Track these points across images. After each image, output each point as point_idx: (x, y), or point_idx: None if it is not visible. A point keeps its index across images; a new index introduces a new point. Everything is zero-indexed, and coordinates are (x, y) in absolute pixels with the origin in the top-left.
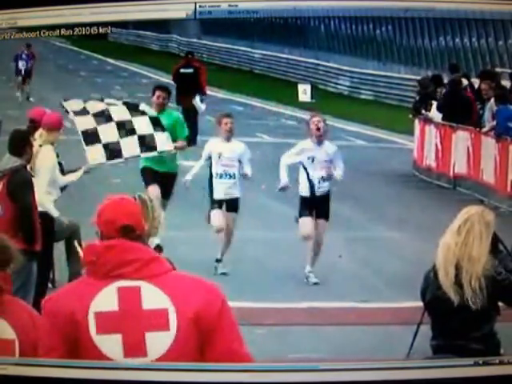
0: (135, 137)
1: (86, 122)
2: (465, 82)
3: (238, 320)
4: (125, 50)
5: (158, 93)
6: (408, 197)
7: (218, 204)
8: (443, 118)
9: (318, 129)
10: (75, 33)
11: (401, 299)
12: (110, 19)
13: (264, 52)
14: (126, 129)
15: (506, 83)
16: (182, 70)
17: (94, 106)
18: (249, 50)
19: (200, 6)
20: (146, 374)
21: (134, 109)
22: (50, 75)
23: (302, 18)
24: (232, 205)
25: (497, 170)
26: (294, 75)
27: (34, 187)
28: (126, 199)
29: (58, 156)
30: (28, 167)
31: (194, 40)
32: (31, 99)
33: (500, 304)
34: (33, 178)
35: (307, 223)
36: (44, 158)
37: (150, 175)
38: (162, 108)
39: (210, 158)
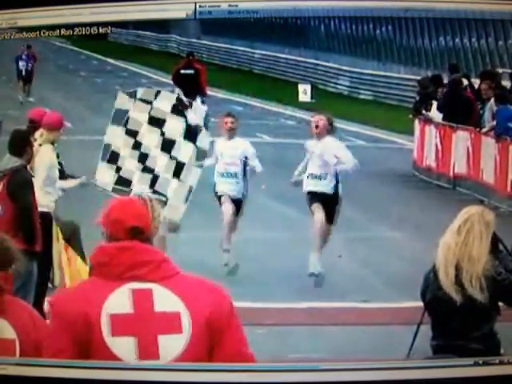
0: (151, 175)
1: (115, 135)
2: (465, 82)
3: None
4: (125, 50)
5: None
6: (408, 197)
7: (225, 198)
8: (443, 118)
9: (317, 126)
10: (75, 33)
11: (401, 299)
12: (110, 19)
13: (264, 52)
14: (146, 165)
15: (506, 83)
16: (182, 71)
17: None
18: (248, 50)
19: (200, 6)
20: (146, 374)
21: (167, 148)
22: (50, 75)
23: (301, 18)
24: (235, 205)
25: (497, 170)
26: (294, 75)
27: (34, 187)
28: (134, 200)
29: (58, 156)
30: (28, 167)
31: (194, 40)
32: (31, 99)
33: (500, 304)
34: (33, 178)
35: (317, 208)
36: (42, 156)
37: None
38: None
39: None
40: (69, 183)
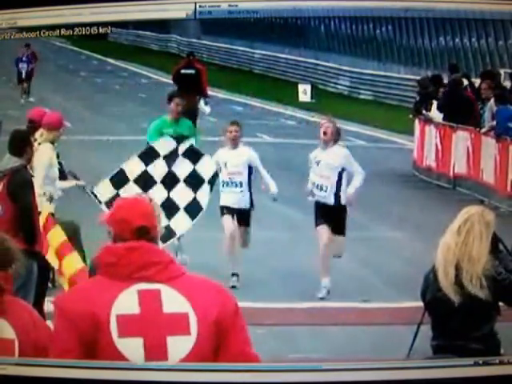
0: None
1: (134, 170)
2: (465, 81)
3: None
4: (125, 50)
5: (176, 100)
6: (408, 197)
7: (227, 211)
8: (444, 118)
9: (325, 133)
10: (75, 33)
11: (401, 299)
12: (110, 19)
13: (264, 52)
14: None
15: (506, 83)
16: (183, 71)
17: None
18: (249, 50)
19: (200, 6)
20: (146, 374)
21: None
22: (50, 75)
23: (301, 18)
24: (242, 217)
25: (497, 170)
26: (294, 75)
27: (34, 187)
28: (141, 200)
29: (58, 156)
30: (28, 167)
31: (194, 40)
32: (31, 99)
33: (500, 304)
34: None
35: (321, 233)
36: (41, 155)
37: None
38: (176, 116)
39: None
40: (66, 184)
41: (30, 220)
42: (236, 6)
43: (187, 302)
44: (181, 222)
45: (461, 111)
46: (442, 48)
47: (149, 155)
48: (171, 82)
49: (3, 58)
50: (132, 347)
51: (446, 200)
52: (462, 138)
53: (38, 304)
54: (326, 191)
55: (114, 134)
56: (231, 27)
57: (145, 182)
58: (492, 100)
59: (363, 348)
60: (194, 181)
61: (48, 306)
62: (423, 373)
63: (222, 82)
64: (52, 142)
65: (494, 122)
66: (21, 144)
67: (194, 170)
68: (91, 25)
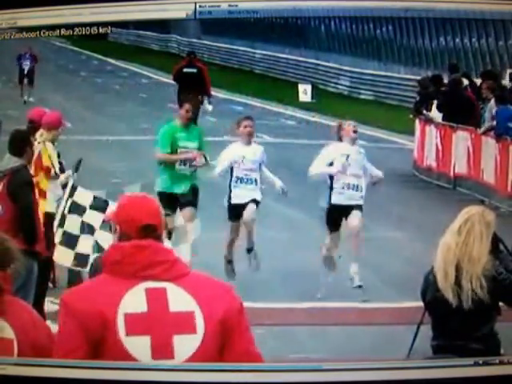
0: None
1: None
2: (465, 81)
3: None
4: (125, 49)
5: (186, 106)
6: (408, 197)
7: (235, 212)
8: (443, 118)
9: (355, 131)
10: (75, 33)
11: (401, 299)
12: (110, 19)
13: (264, 52)
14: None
15: (505, 83)
16: (185, 70)
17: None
18: (249, 50)
19: (200, 6)
20: (147, 374)
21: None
22: (50, 75)
23: (302, 18)
24: (252, 204)
25: (497, 170)
26: (294, 75)
27: (34, 187)
28: (147, 197)
29: (59, 156)
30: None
31: (194, 40)
32: (31, 99)
33: (500, 304)
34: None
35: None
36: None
37: (166, 200)
38: (186, 122)
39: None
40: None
41: (30, 220)
42: (236, 6)
43: (193, 300)
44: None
45: (460, 111)
46: (442, 48)
47: (76, 208)
48: (171, 81)
49: (3, 58)
50: (139, 345)
51: (446, 200)
52: (462, 138)
53: (38, 304)
54: (361, 191)
55: (114, 134)
56: (231, 27)
57: (90, 230)
58: (492, 100)
59: (363, 348)
60: None
61: (48, 305)
62: (423, 373)
63: (223, 81)
64: (52, 142)
65: (492, 123)
66: (21, 144)
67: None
68: (91, 25)
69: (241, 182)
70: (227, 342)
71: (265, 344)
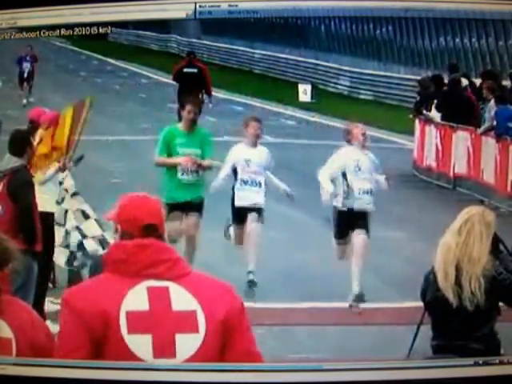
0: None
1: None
2: (465, 81)
3: None
4: (125, 50)
5: (188, 107)
6: (408, 197)
7: (240, 215)
8: (442, 118)
9: (364, 134)
10: (75, 33)
11: (401, 299)
12: (110, 19)
13: (264, 52)
14: None
15: (506, 83)
16: (185, 70)
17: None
18: (249, 50)
19: (200, 6)
20: (146, 373)
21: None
22: (50, 75)
23: (302, 18)
24: (255, 215)
25: (497, 170)
26: (294, 75)
27: (34, 187)
28: (149, 197)
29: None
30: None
31: (194, 40)
32: (31, 99)
33: (500, 304)
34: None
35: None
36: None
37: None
38: (190, 125)
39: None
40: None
41: (30, 220)
42: (236, 6)
43: (195, 299)
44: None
45: (459, 111)
46: (442, 48)
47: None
48: (171, 81)
49: (3, 58)
50: (141, 344)
51: (446, 200)
52: (462, 138)
53: (38, 304)
54: (373, 195)
55: (114, 133)
56: (231, 27)
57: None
58: (492, 101)
59: (363, 348)
60: None
61: (48, 305)
62: (423, 373)
63: (222, 81)
64: None
65: (491, 123)
66: (21, 144)
67: None
68: (91, 25)
69: (245, 183)
70: (228, 341)
71: (265, 344)
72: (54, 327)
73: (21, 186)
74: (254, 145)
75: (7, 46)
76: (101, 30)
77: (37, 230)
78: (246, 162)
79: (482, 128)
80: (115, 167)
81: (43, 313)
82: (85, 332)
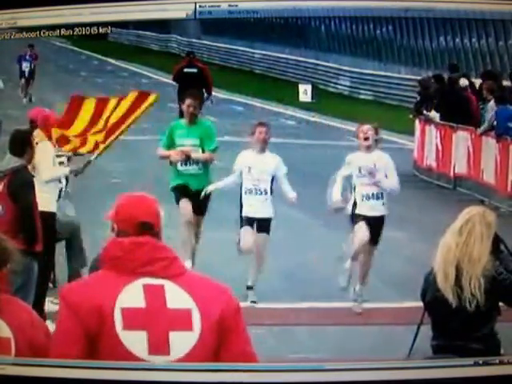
0: None
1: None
2: (465, 81)
3: None
4: (125, 49)
5: (187, 101)
6: (408, 197)
7: (248, 222)
8: (441, 118)
9: (366, 138)
10: (75, 33)
11: (401, 299)
12: (110, 19)
13: (264, 52)
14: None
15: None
16: (185, 70)
17: None
18: (249, 50)
19: (200, 6)
20: (143, 373)
21: None
22: (50, 75)
23: (302, 18)
24: (263, 225)
25: (497, 170)
26: (294, 75)
27: (35, 187)
28: (146, 196)
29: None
30: (29, 167)
31: (194, 40)
32: (32, 99)
33: (500, 304)
34: (34, 178)
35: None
36: (41, 154)
37: (181, 192)
38: (191, 118)
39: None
40: (59, 171)
41: (30, 220)
42: (236, 5)
43: (190, 298)
44: None
45: (457, 110)
46: (442, 48)
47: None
48: (171, 81)
49: (3, 58)
50: (136, 340)
51: (446, 200)
52: (462, 138)
53: (38, 304)
54: (382, 199)
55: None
56: (231, 27)
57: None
58: (492, 101)
59: (363, 348)
60: None
61: (48, 306)
62: (423, 373)
63: (223, 82)
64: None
65: (490, 123)
66: (21, 144)
67: None
68: (91, 25)
69: (250, 193)
70: (224, 342)
71: (265, 344)
72: (53, 327)
73: (21, 186)
74: (262, 150)
75: (7, 45)
76: (101, 30)
77: (37, 230)
78: (247, 169)
79: (482, 128)
80: (115, 167)
81: (43, 313)
82: (80, 327)
